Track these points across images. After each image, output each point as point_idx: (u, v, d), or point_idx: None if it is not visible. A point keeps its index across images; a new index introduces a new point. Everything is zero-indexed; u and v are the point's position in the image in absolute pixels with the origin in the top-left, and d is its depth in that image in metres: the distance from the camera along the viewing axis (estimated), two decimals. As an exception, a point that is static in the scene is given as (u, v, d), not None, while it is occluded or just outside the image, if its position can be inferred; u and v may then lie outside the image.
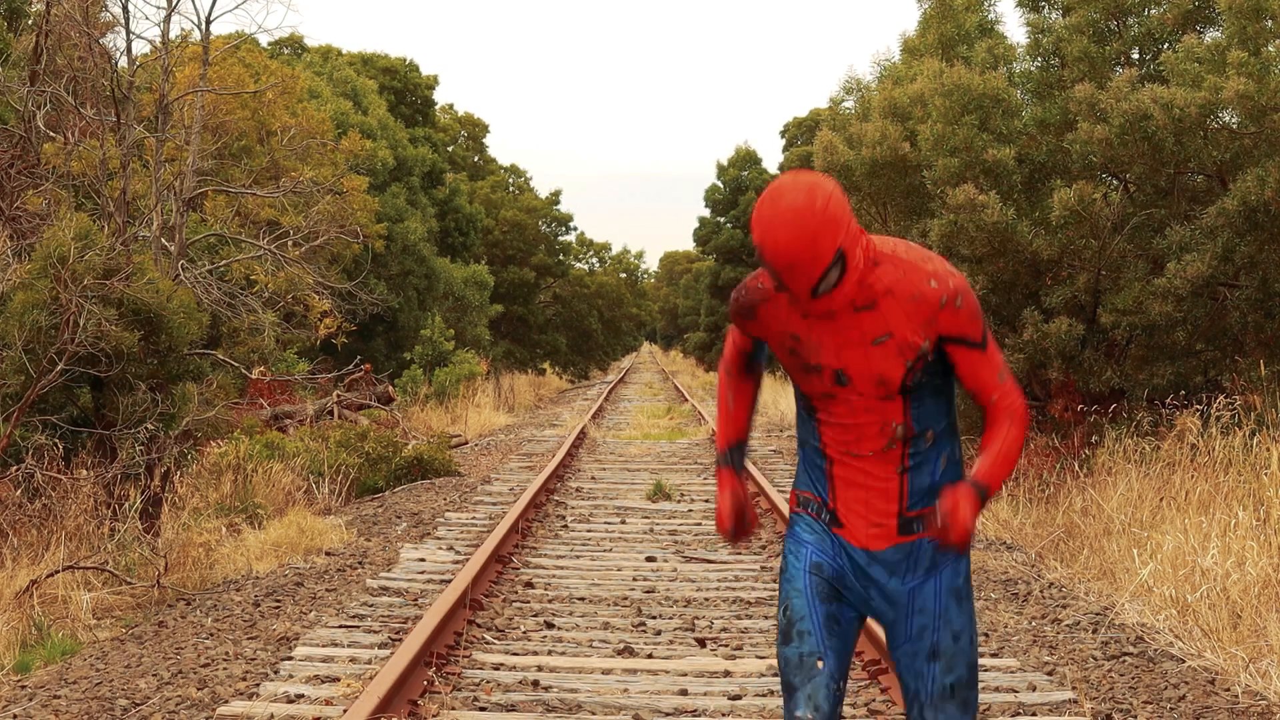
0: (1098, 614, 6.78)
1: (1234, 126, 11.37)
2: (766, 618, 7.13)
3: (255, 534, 9.38)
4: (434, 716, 5.23)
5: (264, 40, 26.43)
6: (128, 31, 11.67)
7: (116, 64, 11.97)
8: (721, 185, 50.18)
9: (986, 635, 6.53)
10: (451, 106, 49.92)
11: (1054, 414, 12.30)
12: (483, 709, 5.35)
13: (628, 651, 6.32)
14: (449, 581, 7.80)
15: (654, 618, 7.14)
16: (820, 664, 2.94)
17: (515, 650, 6.35)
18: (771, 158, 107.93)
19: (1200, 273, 11.00)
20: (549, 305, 47.82)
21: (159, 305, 8.83)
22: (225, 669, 5.85)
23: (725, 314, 49.43)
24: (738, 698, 5.52)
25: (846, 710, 5.32)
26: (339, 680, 5.65)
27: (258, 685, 5.59)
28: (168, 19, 11.70)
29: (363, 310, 16.25)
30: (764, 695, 5.58)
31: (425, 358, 25.13)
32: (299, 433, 14.24)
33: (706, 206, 50.63)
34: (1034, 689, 5.55)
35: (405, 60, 34.73)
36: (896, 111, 13.27)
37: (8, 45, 13.34)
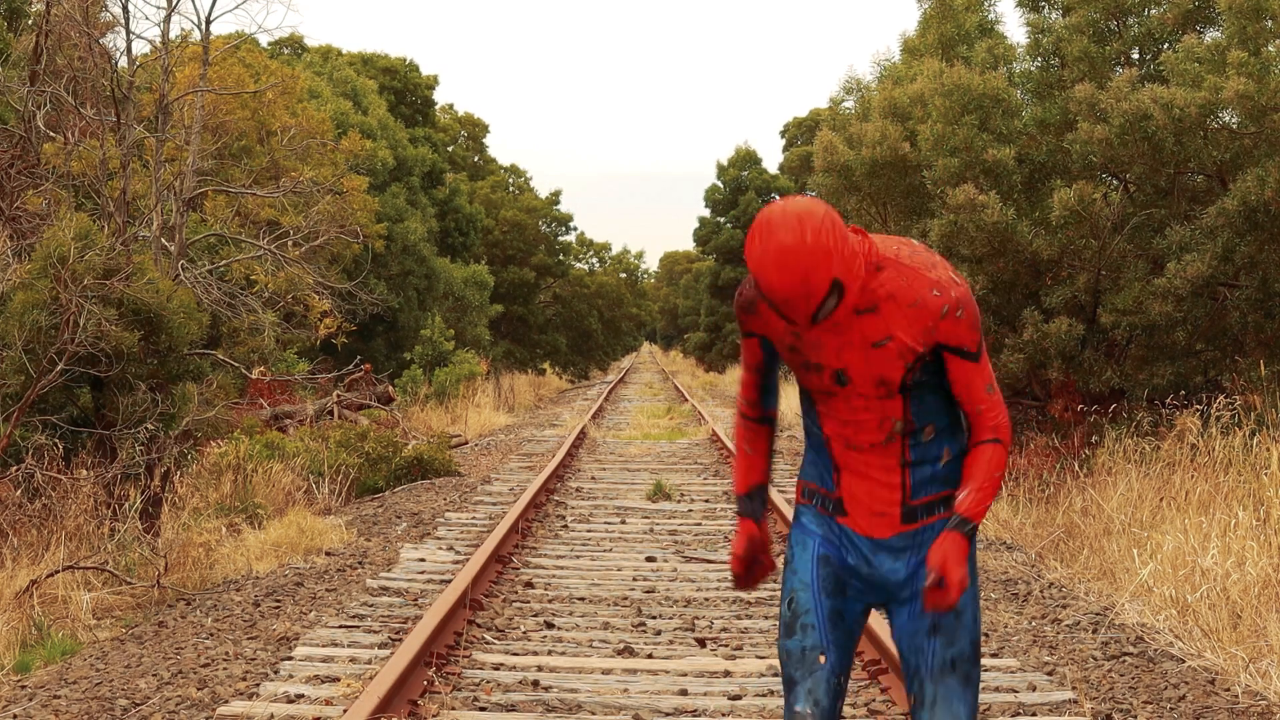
0: (1098, 614, 6.78)
1: (1234, 126, 11.37)
2: (766, 618, 7.13)
3: (255, 534, 9.38)
4: (434, 716, 5.23)
5: (264, 40, 26.44)
6: (128, 31, 11.67)
7: (116, 64, 11.98)
8: (721, 185, 50.19)
9: (987, 635, 6.54)
10: (451, 106, 49.94)
11: (1054, 414, 12.30)
12: (483, 709, 5.35)
13: (628, 651, 6.32)
14: (449, 581, 7.80)
15: (654, 618, 7.14)
16: (823, 659, 2.94)
17: (515, 650, 6.35)
18: (771, 158, 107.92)
19: (1200, 273, 11.00)
20: (549, 305, 47.82)
21: (159, 305, 8.83)
22: (225, 669, 5.85)
23: (725, 314, 49.52)
24: (738, 698, 5.52)
25: (846, 710, 5.32)
26: (339, 680, 5.66)
27: (258, 685, 5.59)
28: (168, 19, 11.71)
29: (363, 310, 16.25)
30: (764, 695, 5.58)
31: (425, 358, 25.13)
32: (299, 433, 14.24)
33: (706, 206, 50.66)
34: (1034, 689, 5.55)
35: (405, 60, 34.74)
36: (896, 111, 13.27)
37: (8, 45, 13.34)
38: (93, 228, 8.99)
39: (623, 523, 10.78)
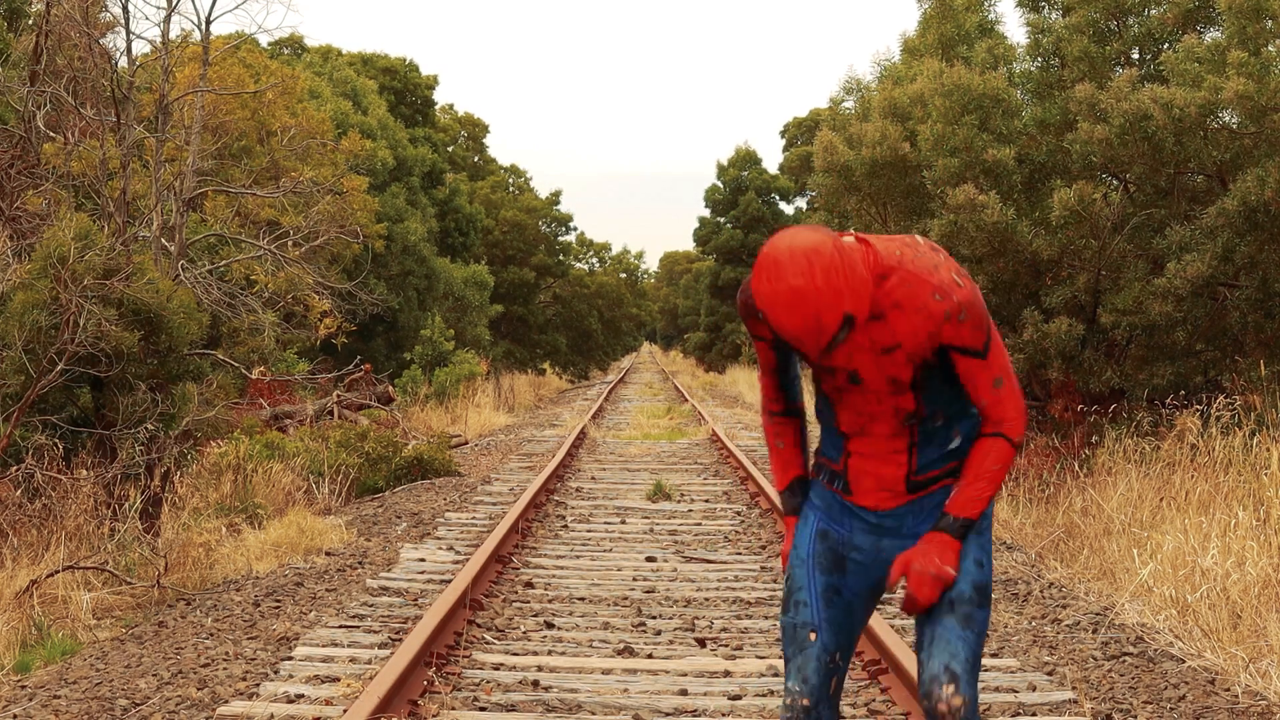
0: (1098, 614, 6.78)
1: (1234, 126, 11.37)
2: (766, 618, 7.13)
3: (255, 534, 9.38)
4: (434, 716, 5.23)
5: (264, 40, 26.46)
6: (128, 31, 11.67)
7: (116, 64, 11.98)
8: (721, 185, 50.21)
9: (987, 635, 6.53)
10: (451, 106, 49.96)
11: (1054, 414, 12.30)
12: (483, 709, 5.35)
13: (628, 651, 6.32)
14: (449, 581, 7.80)
15: (654, 618, 7.14)
16: (813, 636, 2.94)
17: (515, 650, 6.35)
18: (771, 158, 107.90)
19: (1200, 273, 11.00)
20: (549, 305, 47.84)
21: (159, 305, 8.83)
22: (225, 669, 5.85)
23: (725, 314, 49.51)
24: (738, 698, 5.52)
25: (846, 711, 5.32)
26: (339, 680, 5.66)
27: (258, 685, 5.59)
28: (168, 19, 11.71)
29: (363, 310, 16.25)
30: (764, 695, 5.58)
31: (425, 358, 25.13)
32: (299, 433, 14.24)
33: (706, 207, 50.69)
34: (1034, 689, 5.55)
35: (405, 60, 34.75)
36: (896, 111, 13.27)
37: (8, 45, 13.35)
38: (93, 228, 9.00)
39: (623, 523, 10.78)
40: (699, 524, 10.71)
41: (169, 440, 8.85)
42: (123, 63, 12.22)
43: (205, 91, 12.97)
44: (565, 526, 10.53)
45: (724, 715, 5.31)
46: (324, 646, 6.31)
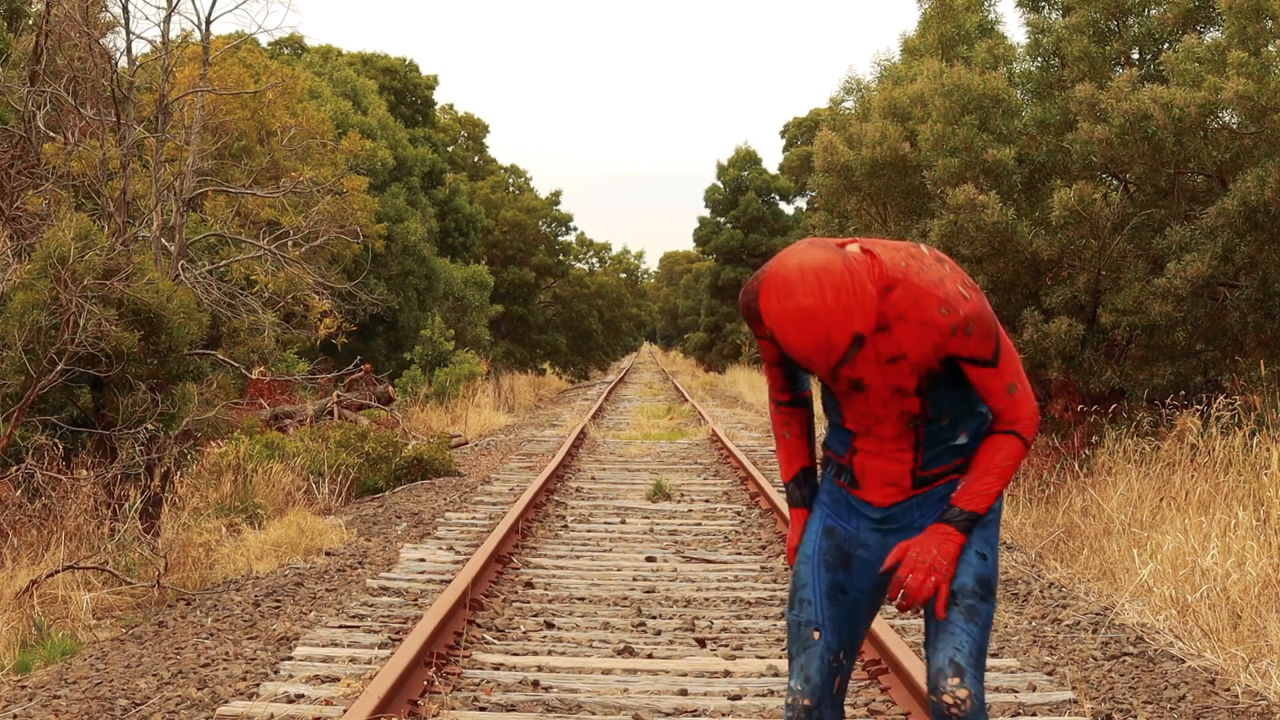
0: (1098, 614, 6.78)
1: (1234, 126, 11.37)
2: (766, 618, 7.13)
3: (255, 534, 9.38)
4: (434, 716, 5.23)
5: (264, 40, 26.46)
6: (128, 31, 11.67)
7: (116, 64, 11.98)
8: (721, 185, 50.20)
9: (992, 628, 6.52)
10: (451, 106, 49.96)
11: (1054, 414, 12.30)
12: (483, 709, 5.35)
13: (628, 651, 6.32)
14: (449, 581, 7.80)
15: (654, 618, 7.14)
16: (816, 634, 2.93)
17: (515, 650, 6.35)
18: (771, 158, 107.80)
19: (1200, 273, 11.01)
20: (549, 305, 47.85)
21: (159, 305, 8.83)
22: (225, 669, 5.85)
23: (725, 314, 49.51)
24: (738, 698, 5.52)
25: (847, 710, 5.32)
26: (339, 680, 5.66)
27: (258, 685, 5.59)
28: (168, 19, 11.71)
29: (363, 310, 16.25)
30: (764, 695, 5.58)
31: (425, 358, 25.14)
32: (299, 433, 14.24)
33: (706, 207, 50.68)
34: (1034, 689, 5.55)
35: (405, 60, 34.75)
36: (896, 111, 13.27)
37: (8, 45, 13.35)
38: (93, 228, 9.00)
39: (623, 523, 10.78)
40: (699, 524, 10.71)
41: (169, 440, 8.85)
42: (123, 63, 12.23)
43: (205, 91, 12.97)
44: (565, 526, 10.53)
45: (724, 715, 5.31)
46: (324, 646, 6.31)
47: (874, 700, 5.49)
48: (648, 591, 7.85)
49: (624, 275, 57.21)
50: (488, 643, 6.49)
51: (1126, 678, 5.64)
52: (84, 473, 8.51)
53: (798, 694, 2.93)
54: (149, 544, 8.11)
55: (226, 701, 5.33)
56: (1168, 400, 11.04)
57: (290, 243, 14.67)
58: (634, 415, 25.95)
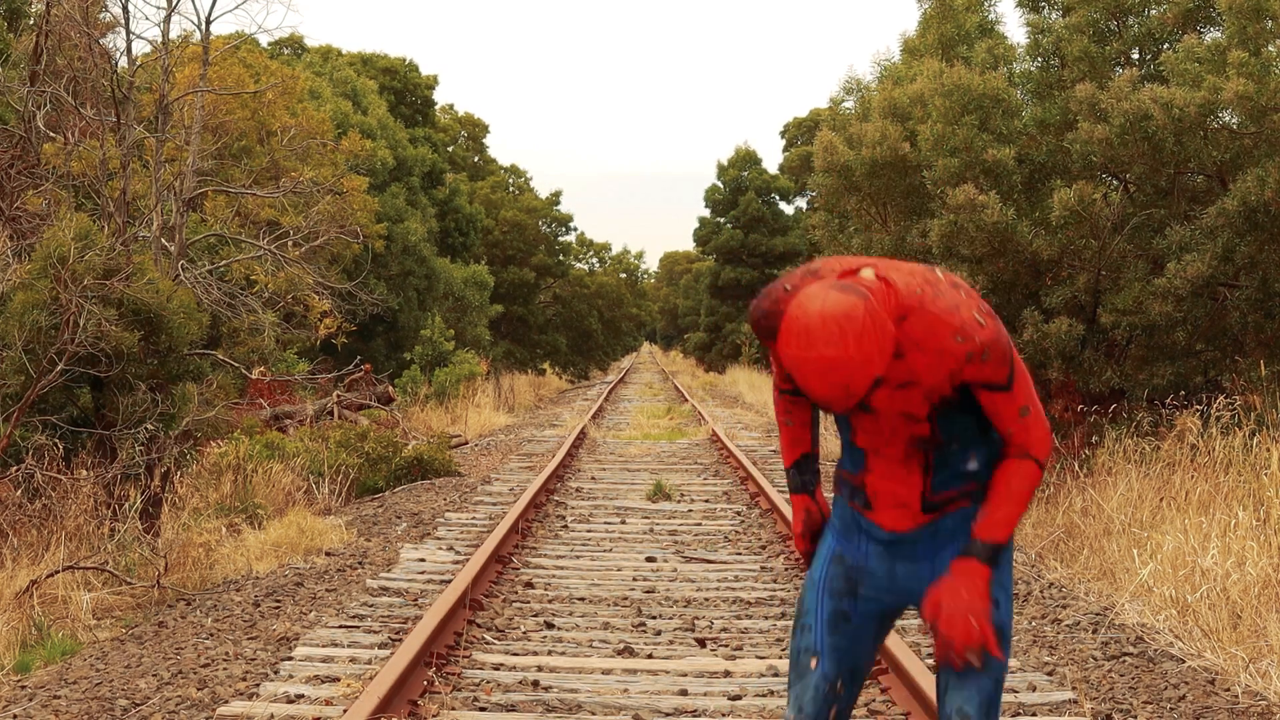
0: (1098, 614, 6.78)
1: (1234, 126, 11.37)
2: (766, 618, 7.13)
3: (255, 534, 9.38)
4: (434, 716, 5.23)
5: (264, 40, 26.47)
6: (128, 31, 11.67)
7: (116, 64, 11.99)
8: (721, 185, 50.20)
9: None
10: (451, 106, 49.96)
11: (1054, 414, 12.30)
12: (483, 709, 5.35)
13: (628, 652, 6.32)
14: (449, 581, 7.80)
15: (654, 618, 7.14)
16: (814, 663, 2.90)
17: (515, 650, 6.35)
18: (771, 158, 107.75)
19: (1200, 273, 11.01)
20: (549, 305, 47.85)
21: (159, 305, 8.83)
22: (225, 669, 5.85)
23: (725, 314, 49.50)
24: (738, 698, 5.52)
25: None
26: (339, 680, 5.66)
27: (258, 685, 5.59)
28: (168, 19, 11.71)
29: (363, 310, 16.25)
30: (764, 695, 5.58)
31: (425, 358, 25.14)
32: (299, 433, 14.24)
33: (706, 207, 50.68)
34: (1034, 689, 5.55)
35: (405, 60, 34.75)
36: (896, 111, 13.27)
37: (8, 45, 13.35)
38: (93, 228, 9.00)
39: (623, 523, 10.78)
40: (699, 524, 10.71)
41: (169, 440, 8.85)
42: (123, 63, 12.23)
43: (205, 91, 12.97)
44: (565, 526, 10.53)
45: (724, 715, 5.31)
46: (324, 646, 6.31)
47: (874, 700, 5.49)
48: (648, 591, 7.85)
49: (624, 275, 57.21)
50: (488, 643, 6.49)
51: (1126, 678, 5.64)
52: (84, 473, 8.51)
53: None
54: (149, 544, 8.11)
55: (226, 701, 5.33)
56: (1168, 400, 11.04)
57: (290, 243, 14.68)
58: (634, 415, 25.95)
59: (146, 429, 8.59)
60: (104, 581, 7.49)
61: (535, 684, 5.68)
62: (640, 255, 59.56)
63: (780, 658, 6.19)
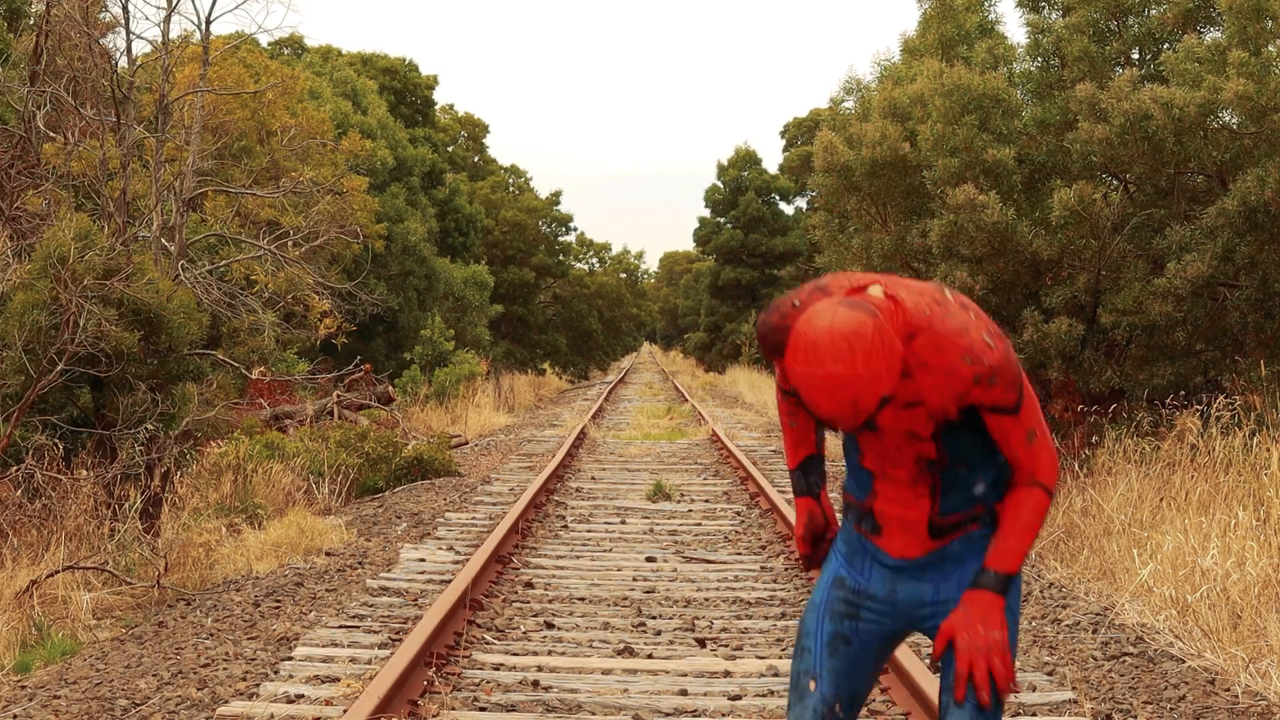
0: (1098, 614, 6.78)
1: (1234, 126, 11.36)
2: (766, 618, 7.13)
3: (255, 534, 9.38)
4: (434, 716, 5.23)
5: (264, 40, 26.47)
6: (128, 32, 11.67)
7: (116, 64, 11.99)
8: (721, 185, 50.20)
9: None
10: (451, 106, 49.95)
11: (1054, 414, 12.30)
12: (483, 709, 5.35)
13: (628, 652, 6.32)
14: (449, 582, 7.80)
15: (654, 618, 7.14)
16: (813, 685, 2.88)
17: (515, 650, 6.35)
18: (771, 158, 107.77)
19: (1200, 273, 11.00)
20: (549, 305, 47.84)
21: (159, 305, 8.83)
22: (225, 669, 5.85)
23: (725, 314, 49.51)
24: (738, 698, 5.52)
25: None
26: (339, 680, 5.66)
27: (258, 685, 5.59)
28: (168, 19, 11.71)
29: (363, 310, 16.25)
30: (764, 695, 5.58)
31: (425, 358, 25.14)
32: (299, 433, 14.24)
33: (706, 207, 50.68)
34: (1034, 689, 5.55)
35: (405, 60, 34.75)
36: (896, 111, 13.27)
37: (8, 45, 13.35)
38: (93, 228, 9.00)
39: (623, 523, 10.78)
40: (699, 524, 10.71)
41: (169, 440, 8.85)
42: (123, 63, 12.23)
43: (205, 91, 12.97)
44: (565, 526, 10.53)
45: (724, 715, 5.31)
46: (324, 647, 6.31)
47: (874, 700, 5.49)
48: (648, 592, 7.85)
49: (624, 275, 57.20)
50: (488, 643, 6.49)
51: (1126, 678, 5.64)
52: (84, 473, 8.51)
53: None
54: (149, 544, 8.11)
55: (226, 702, 5.33)
56: (1168, 400, 11.03)
57: (290, 243, 14.68)
58: (634, 415, 25.95)
59: (146, 429, 8.59)
60: (104, 581, 7.49)
61: (535, 684, 5.68)
62: (640, 255, 59.56)
63: (780, 657, 6.19)
